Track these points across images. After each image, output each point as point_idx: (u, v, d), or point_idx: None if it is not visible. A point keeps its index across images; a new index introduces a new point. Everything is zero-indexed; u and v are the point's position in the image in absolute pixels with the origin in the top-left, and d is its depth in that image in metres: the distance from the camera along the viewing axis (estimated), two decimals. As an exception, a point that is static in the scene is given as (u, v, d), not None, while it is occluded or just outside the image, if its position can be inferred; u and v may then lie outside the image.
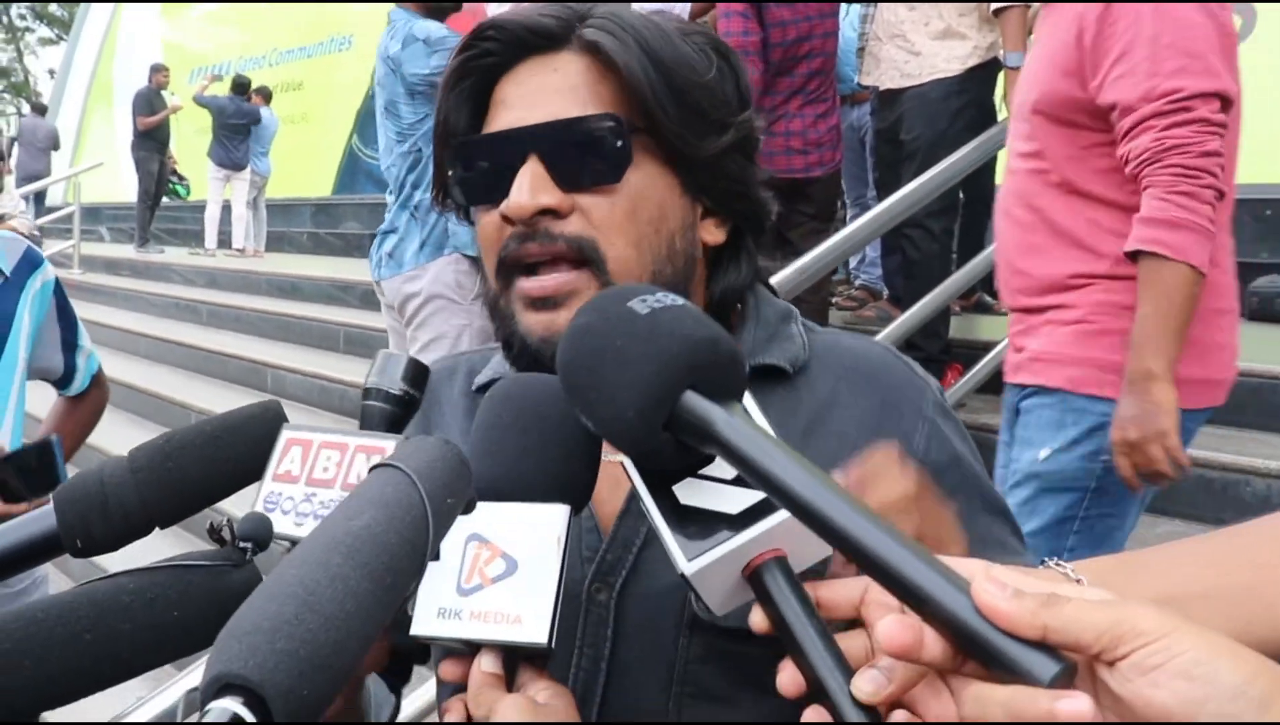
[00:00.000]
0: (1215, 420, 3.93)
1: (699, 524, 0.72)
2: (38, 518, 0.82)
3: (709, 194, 1.07)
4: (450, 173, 1.08)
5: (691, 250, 1.06)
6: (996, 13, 4.40)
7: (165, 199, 14.53)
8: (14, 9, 39.86)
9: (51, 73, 31.24)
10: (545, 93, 1.02)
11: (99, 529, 0.81)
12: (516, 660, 0.81)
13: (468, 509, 0.77)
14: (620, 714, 1.03)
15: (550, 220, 1.00)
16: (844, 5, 5.45)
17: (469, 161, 1.06)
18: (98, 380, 2.79)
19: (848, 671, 0.62)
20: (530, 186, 0.99)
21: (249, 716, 0.52)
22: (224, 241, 13.18)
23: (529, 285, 1.02)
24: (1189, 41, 2.08)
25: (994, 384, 3.92)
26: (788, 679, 0.64)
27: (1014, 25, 4.37)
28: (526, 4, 1.06)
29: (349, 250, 12.43)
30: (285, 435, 0.86)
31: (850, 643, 0.68)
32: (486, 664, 0.79)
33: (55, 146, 16.69)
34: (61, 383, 2.71)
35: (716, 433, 0.68)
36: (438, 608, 0.81)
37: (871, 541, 0.60)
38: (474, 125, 1.07)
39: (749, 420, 0.70)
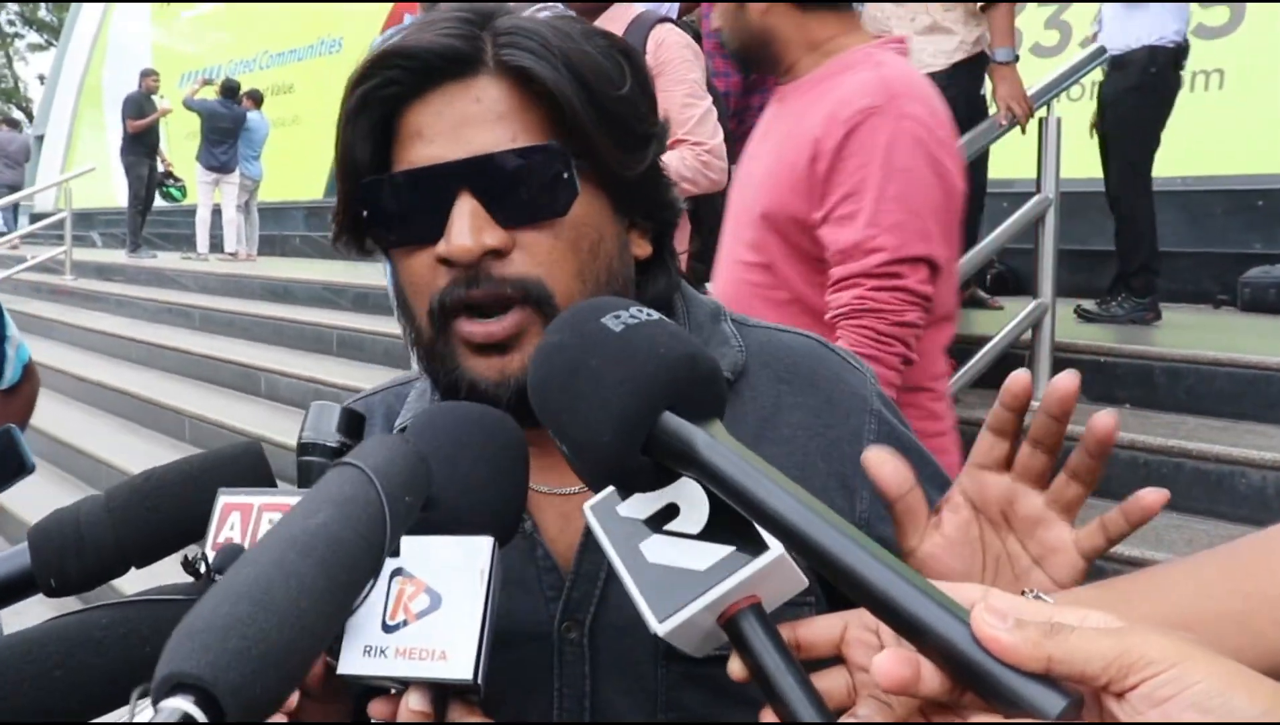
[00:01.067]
0: (1210, 412, 3.97)
1: (669, 583, 0.69)
2: (12, 556, 0.81)
3: (637, 210, 1.04)
4: (364, 212, 1.00)
5: (627, 271, 1.03)
6: (984, 8, 4.40)
7: (161, 202, 14.49)
8: (2, 15, 39.78)
9: (41, 79, 31.22)
10: (470, 125, 0.95)
11: (74, 568, 0.80)
12: (446, 697, 0.79)
13: (426, 507, 0.76)
14: None
15: (493, 261, 0.94)
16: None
17: (387, 200, 0.98)
18: (29, 371, 2.64)
19: (828, 716, 0.61)
20: (471, 227, 0.93)
21: (200, 716, 0.51)
22: (216, 245, 13.14)
23: (476, 330, 0.96)
24: (913, 198, 2.02)
25: (988, 378, 3.91)
26: None
27: (1002, 20, 4.36)
28: (424, 20, 0.99)
29: (341, 253, 12.40)
30: (222, 500, 0.83)
31: (830, 681, 0.67)
32: (414, 702, 0.77)
33: (27, 158, 16.73)
34: None
35: (697, 455, 0.66)
36: (363, 645, 0.79)
37: (864, 569, 0.58)
38: (379, 158, 0.99)
39: (732, 440, 0.67)
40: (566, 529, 1.03)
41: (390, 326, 6.53)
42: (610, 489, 0.76)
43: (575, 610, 1.01)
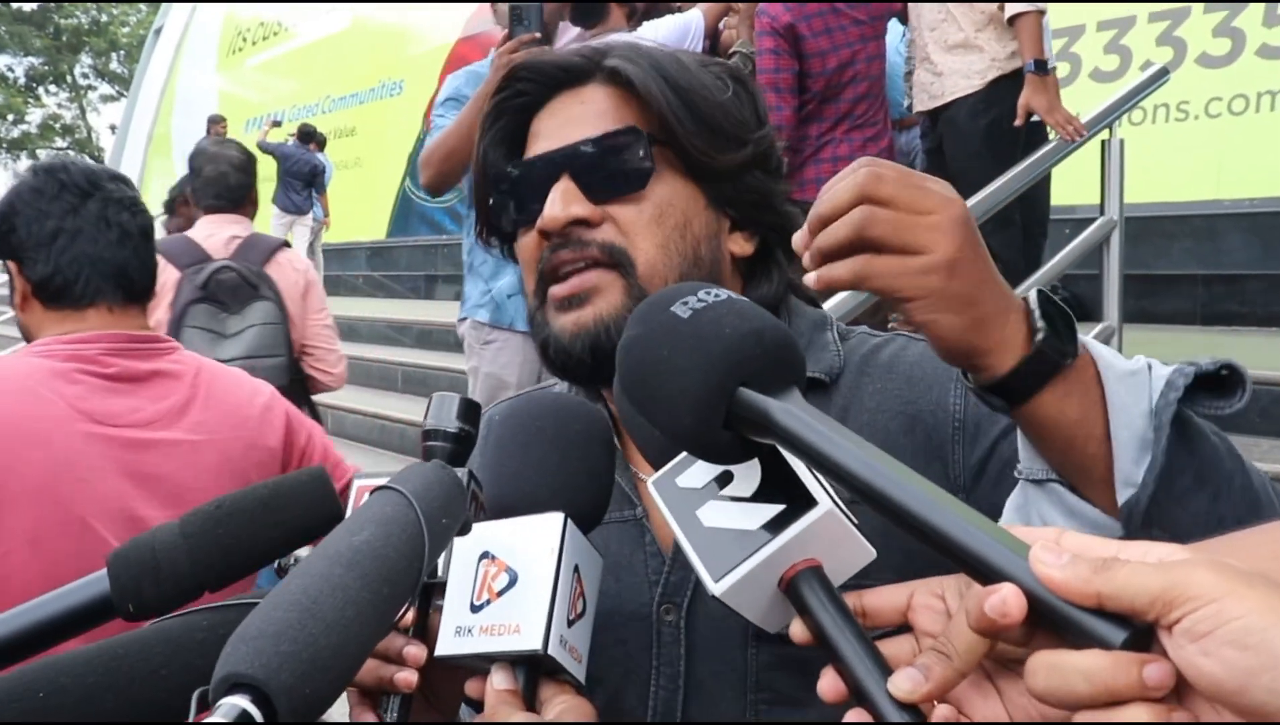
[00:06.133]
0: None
1: (724, 544, 0.71)
2: (91, 582, 0.85)
3: (734, 206, 1.12)
4: (491, 204, 1.15)
5: (718, 258, 1.11)
6: (1011, 21, 4.30)
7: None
8: (76, 68, 41.05)
9: (113, 128, 32.15)
10: (574, 121, 1.10)
11: (151, 593, 0.84)
12: (538, 674, 0.82)
13: (463, 530, 0.79)
14: None
15: (582, 229, 1.07)
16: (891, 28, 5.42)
17: (507, 190, 1.13)
18: None
19: (887, 673, 0.61)
20: (562, 200, 1.06)
21: (256, 712, 0.56)
22: (282, 286, 13.35)
23: (557, 289, 1.08)
24: None
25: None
26: (828, 685, 0.64)
27: (1030, 31, 4.27)
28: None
29: (404, 292, 12.58)
30: (357, 484, 0.91)
31: (896, 648, 0.67)
32: (498, 681, 0.81)
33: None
34: None
35: (774, 424, 0.68)
36: (455, 627, 0.84)
37: (935, 516, 0.59)
38: (511, 161, 1.14)
39: (808, 406, 0.69)
40: None
41: (454, 362, 6.62)
42: (671, 464, 0.80)
43: (673, 594, 1.05)
